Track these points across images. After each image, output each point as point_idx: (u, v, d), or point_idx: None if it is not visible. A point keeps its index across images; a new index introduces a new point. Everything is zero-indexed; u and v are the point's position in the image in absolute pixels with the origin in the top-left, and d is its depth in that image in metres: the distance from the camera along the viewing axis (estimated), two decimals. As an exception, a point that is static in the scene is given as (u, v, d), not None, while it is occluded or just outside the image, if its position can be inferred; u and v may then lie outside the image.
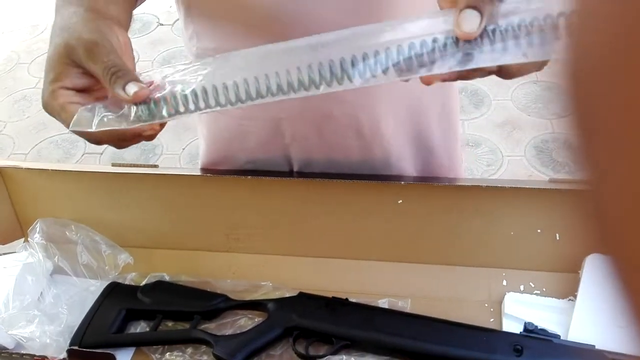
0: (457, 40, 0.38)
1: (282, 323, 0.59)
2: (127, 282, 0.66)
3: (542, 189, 0.63)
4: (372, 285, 0.64)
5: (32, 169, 0.71)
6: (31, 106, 2.17)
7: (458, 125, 0.79)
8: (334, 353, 0.57)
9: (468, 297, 0.63)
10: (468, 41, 0.38)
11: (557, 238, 0.64)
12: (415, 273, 0.66)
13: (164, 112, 0.44)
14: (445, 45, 0.39)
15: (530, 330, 0.56)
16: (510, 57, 0.39)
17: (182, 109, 0.43)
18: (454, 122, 0.76)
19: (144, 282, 0.65)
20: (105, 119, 0.44)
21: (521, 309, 0.60)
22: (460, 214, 0.65)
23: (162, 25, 2.54)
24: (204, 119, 0.74)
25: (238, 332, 0.59)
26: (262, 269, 0.68)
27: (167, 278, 0.66)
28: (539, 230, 0.64)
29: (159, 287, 0.64)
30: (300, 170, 0.71)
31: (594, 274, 0.58)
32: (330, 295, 0.61)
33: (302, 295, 0.62)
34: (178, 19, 0.66)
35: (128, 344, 0.60)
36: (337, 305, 0.60)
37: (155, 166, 0.71)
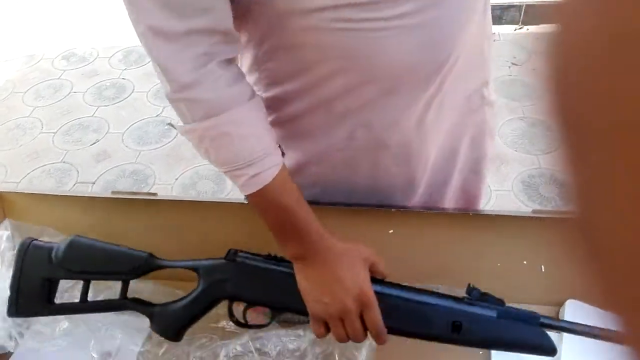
0: None
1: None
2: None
3: (526, 219, 0.65)
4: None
5: (31, 193, 0.72)
6: (25, 135, 2.18)
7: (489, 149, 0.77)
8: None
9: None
10: None
11: (542, 270, 0.65)
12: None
13: None
14: None
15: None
16: None
17: None
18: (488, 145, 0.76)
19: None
20: None
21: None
22: (449, 243, 0.67)
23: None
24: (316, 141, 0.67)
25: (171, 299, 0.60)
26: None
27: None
28: (524, 262, 0.66)
29: (74, 248, 0.60)
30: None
31: (573, 318, 0.58)
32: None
33: None
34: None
35: (62, 313, 0.63)
36: None
37: (154, 194, 0.73)
